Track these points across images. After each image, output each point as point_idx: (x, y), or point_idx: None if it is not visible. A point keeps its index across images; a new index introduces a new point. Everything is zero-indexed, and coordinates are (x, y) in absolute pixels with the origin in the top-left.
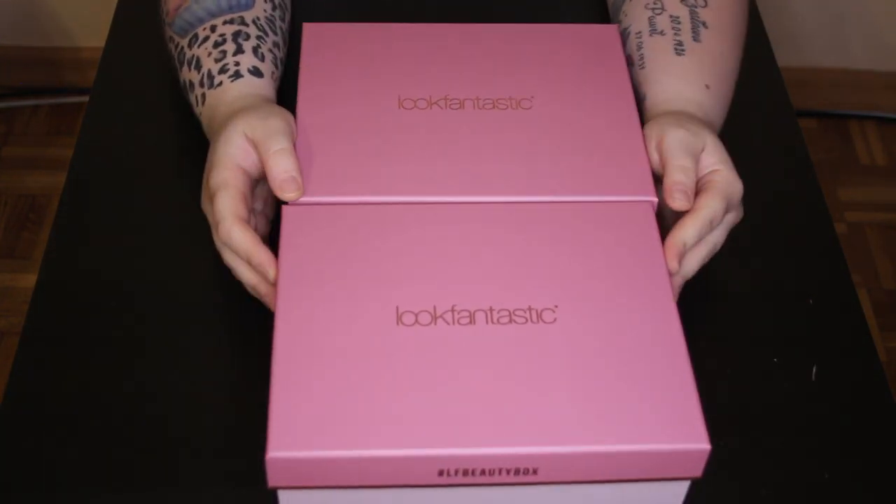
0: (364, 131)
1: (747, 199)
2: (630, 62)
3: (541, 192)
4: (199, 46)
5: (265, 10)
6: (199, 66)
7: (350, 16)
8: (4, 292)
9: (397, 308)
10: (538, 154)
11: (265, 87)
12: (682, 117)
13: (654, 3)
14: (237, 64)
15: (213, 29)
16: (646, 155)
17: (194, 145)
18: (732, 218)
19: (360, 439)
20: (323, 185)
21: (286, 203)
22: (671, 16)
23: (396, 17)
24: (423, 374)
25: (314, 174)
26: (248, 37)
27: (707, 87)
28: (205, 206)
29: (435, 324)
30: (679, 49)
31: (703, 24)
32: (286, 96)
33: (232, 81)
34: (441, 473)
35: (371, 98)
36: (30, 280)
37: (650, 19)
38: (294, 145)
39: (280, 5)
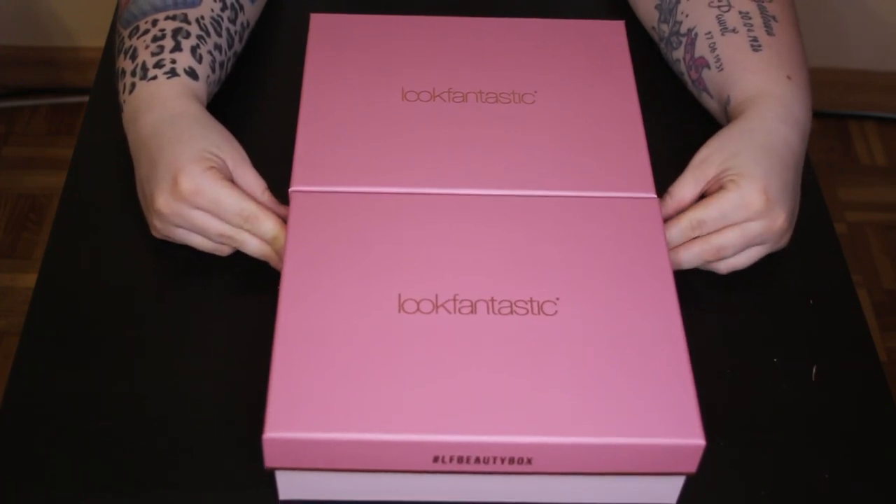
0: (367, 122)
1: None
2: (704, 65)
3: (541, 186)
4: (137, 38)
5: (212, 10)
6: (134, 57)
7: (357, 7)
8: (4, 292)
9: (399, 296)
10: (539, 149)
11: (199, 89)
12: (719, 140)
13: (720, 1)
14: (174, 62)
15: (154, 23)
16: (647, 152)
17: None
18: (757, 227)
19: (358, 423)
20: (330, 173)
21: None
22: (740, 12)
23: (402, 9)
24: (423, 361)
25: (320, 163)
26: (188, 35)
27: (789, 77)
28: (160, 199)
29: (436, 312)
30: (755, 45)
31: (773, 18)
32: (290, 87)
33: (168, 79)
34: (436, 460)
35: (375, 89)
36: (30, 280)
37: (718, 17)
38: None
39: (231, 6)
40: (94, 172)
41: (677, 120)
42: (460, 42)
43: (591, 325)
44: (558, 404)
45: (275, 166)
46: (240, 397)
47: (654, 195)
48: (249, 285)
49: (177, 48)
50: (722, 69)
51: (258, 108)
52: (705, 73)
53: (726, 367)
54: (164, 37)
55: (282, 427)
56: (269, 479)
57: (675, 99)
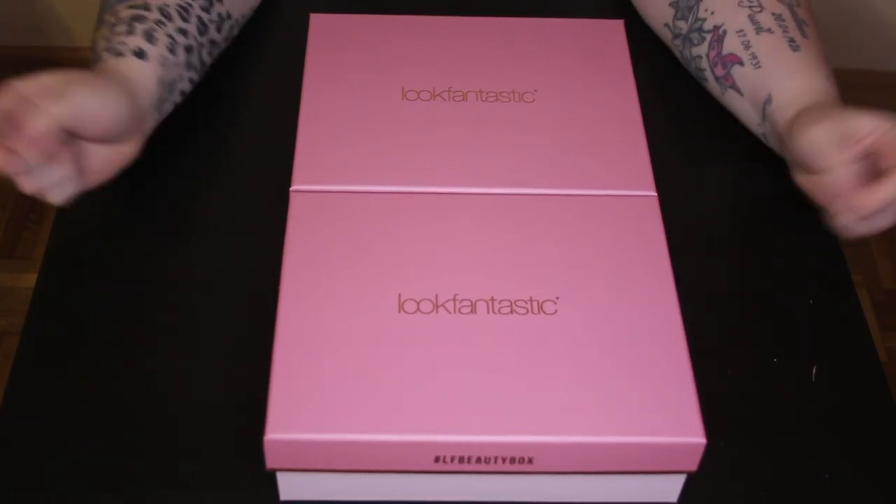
0: (367, 122)
1: (746, 199)
2: (735, 61)
3: (541, 185)
4: (100, 30)
5: None
6: (94, 48)
7: (357, 7)
8: (4, 292)
9: (399, 295)
10: (539, 148)
11: (146, 68)
12: (814, 112)
13: (751, 1)
14: (122, 44)
15: (114, 14)
16: (647, 150)
17: (194, 144)
18: None
19: (359, 423)
20: (330, 173)
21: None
22: (773, 13)
23: (402, 9)
24: (423, 361)
25: (320, 163)
26: (144, 20)
27: (827, 78)
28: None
29: (436, 312)
30: (794, 46)
31: (804, 22)
32: (290, 87)
33: (113, 57)
34: (437, 460)
35: (375, 89)
36: (30, 280)
37: (750, 17)
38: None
39: None
40: None
41: (676, 118)
42: (460, 42)
43: (591, 325)
44: (559, 403)
45: (275, 166)
46: (240, 397)
47: (654, 193)
48: (249, 285)
49: (129, 32)
50: (759, 66)
51: (258, 107)
52: (736, 70)
53: (726, 367)
54: (119, 23)
55: (283, 428)
56: (269, 479)
57: (674, 97)
